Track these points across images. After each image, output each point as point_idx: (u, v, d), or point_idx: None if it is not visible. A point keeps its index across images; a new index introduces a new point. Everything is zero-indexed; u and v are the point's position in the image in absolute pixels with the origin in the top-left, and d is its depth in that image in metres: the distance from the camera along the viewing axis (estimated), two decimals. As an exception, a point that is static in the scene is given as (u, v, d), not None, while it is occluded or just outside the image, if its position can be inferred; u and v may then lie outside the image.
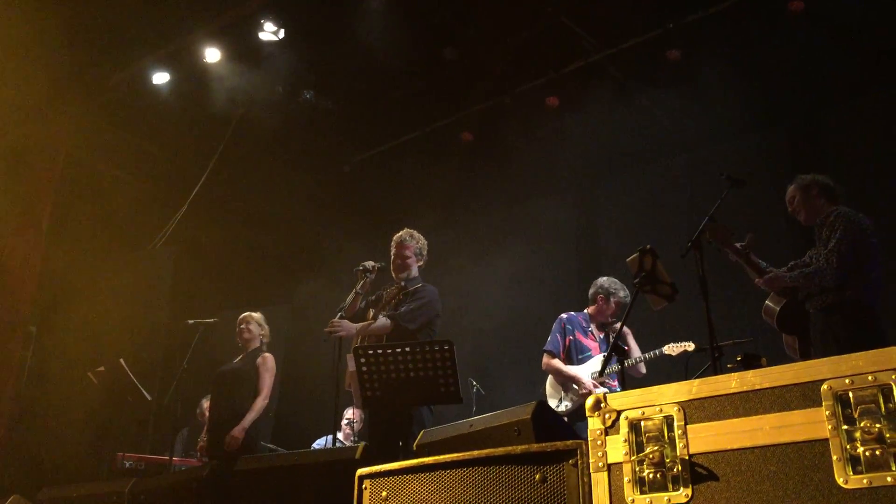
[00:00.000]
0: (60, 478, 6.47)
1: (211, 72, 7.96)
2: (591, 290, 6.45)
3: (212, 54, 7.82)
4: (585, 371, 6.11)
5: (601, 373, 5.68)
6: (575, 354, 6.24)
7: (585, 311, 6.48)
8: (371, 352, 4.24)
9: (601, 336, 6.37)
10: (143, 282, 8.91)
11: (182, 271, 9.15)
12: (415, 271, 5.67)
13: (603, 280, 6.42)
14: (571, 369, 6.16)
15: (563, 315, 6.43)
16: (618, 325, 5.99)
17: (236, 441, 6.31)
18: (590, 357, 6.19)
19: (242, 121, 8.51)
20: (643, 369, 6.05)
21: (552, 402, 6.22)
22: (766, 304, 4.79)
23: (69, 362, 7.94)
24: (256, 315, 7.01)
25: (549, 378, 6.40)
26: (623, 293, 6.26)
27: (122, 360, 6.98)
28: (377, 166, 9.51)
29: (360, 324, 5.40)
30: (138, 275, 8.94)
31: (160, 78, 8.18)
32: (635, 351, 6.04)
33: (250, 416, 6.49)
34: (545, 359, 6.33)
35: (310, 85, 8.36)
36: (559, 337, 6.32)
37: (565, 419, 5.62)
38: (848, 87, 7.18)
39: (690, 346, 5.81)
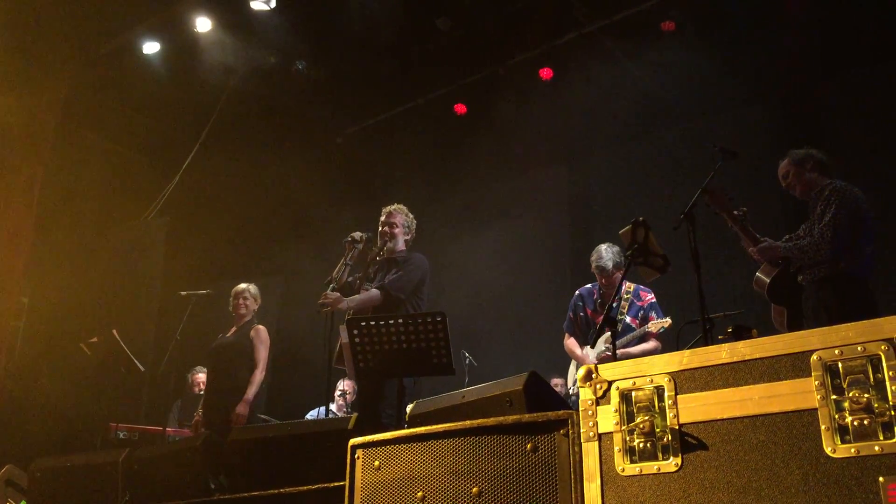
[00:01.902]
0: (54, 448, 6.49)
1: (202, 41, 7.88)
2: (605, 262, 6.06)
3: (203, 24, 7.74)
4: (593, 352, 5.87)
5: (592, 345, 5.67)
6: (587, 330, 6.04)
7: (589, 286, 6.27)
8: (364, 323, 4.25)
9: (615, 307, 5.96)
10: (136, 253, 8.88)
11: (175, 242, 9.11)
12: (401, 243, 5.69)
13: (598, 254, 6.07)
14: (580, 351, 5.99)
15: (577, 291, 6.20)
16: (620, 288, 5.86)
17: (243, 418, 6.35)
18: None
19: (234, 91, 8.45)
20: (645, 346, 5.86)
21: (569, 382, 6.17)
22: (757, 275, 4.79)
23: (62, 333, 7.93)
24: (252, 288, 6.98)
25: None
26: (595, 258, 5.98)
27: (115, 331, 6.97)
28: (370, 138, 9.47)
29: (352, 297, 5.42)
30: (131, 246, 8.91)
31: (150, 48, 8.10)
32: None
33: (252, 390, 6.51)
34: (565, 340, 6.17)
35: (302, 55, 8.30)
36: (571, 315, 6.13)
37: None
38: (841, 61, 7.15)
39: (667, 322, 5.76)
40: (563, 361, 6.41)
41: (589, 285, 6.23)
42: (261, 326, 6.85)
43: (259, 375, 6.61)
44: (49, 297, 8.29)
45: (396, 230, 5.67)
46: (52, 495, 4.38)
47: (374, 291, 5.39)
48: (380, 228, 5.73)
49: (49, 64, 8.05)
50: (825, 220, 4.47)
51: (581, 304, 6.12)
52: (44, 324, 8.14)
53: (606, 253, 5.94)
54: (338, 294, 5.35)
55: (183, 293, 7.31)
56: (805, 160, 4.79)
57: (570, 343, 6.11)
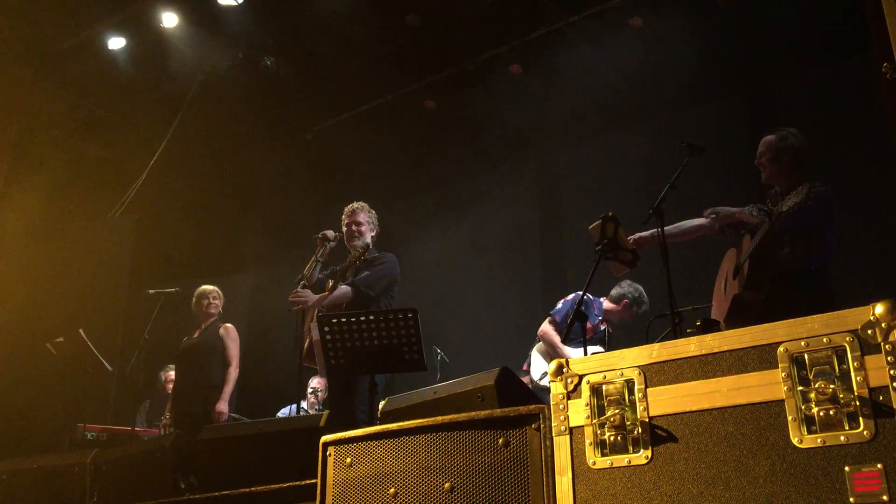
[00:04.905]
0: (21, 450, 6.39)
1: (169, 37, 7.80)
2: (619, 291, 6.19)
3: (169, 19, 7.65)
4: (577, 354, 5.91)
5: (564, 337, 5.67)
6: (563, 330, 6.02)
7: (603, 301, 6.26)
8: (335, 320, 4.24)
9: (601, 328, 6.14)
10: (104, 251, 8.76)
11: (142, 240, 9.01)
12: (369, 240, 5.67)
13: (635, 288, 6.19)
14: (565, 349, 5.96)
15: (588, 295, 5.94)
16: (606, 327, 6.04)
17: (224, 415, 6.40)
18: (579, 344, 5.97)
19: (202, 88, 8.36)
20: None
21: (537, 372, 6.16)
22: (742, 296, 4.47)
23: (27, 333, 7.81)
24: (217, 289, 7.02)
25: (541, 345, 6.26)
26: (645, 307, 6.13)
27: (81, 331, 6.89)
28: (339, 134, 9.42)
29: (322, 294, 5.40)
30: (98, 244, 8.79)
31: (116, 43, 7.99)
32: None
33: (228, 388, 6.56)
34: (546, 324, 6.16)
35: (270, 51, 8.24)
36: (569, 310, 5.98)
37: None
38: (806, 55, 7.24)
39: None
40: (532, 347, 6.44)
41: (591, 296, 6.14)
42: (229, 325, 6.86)
43: (234, 373, 6.66)
44: (14, 297, 8.16)
45: (363, 228, 5.67)
46: (19, 497, 4.32)
47: (345, 288, 5.38)
48: (344, 229, 5.71)
49: (11, 60, 7.92)
50: (797, 207, 4.39)
51: (583, 308, 5.99)
52: (9, 324, 8.00)
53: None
54: (308, 291, 5.33)
55: (151, 291, 7.23)
56: (783, 153, 4.65)
57: (554, 334, 6.07)
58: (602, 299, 6.29)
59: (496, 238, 8.77)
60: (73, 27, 7.95)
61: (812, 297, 4.34)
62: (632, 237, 4.59)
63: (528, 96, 8.27)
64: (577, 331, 5.57)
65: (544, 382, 5.94)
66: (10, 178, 8.03)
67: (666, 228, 4.47)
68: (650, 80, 7.66)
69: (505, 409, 2.34)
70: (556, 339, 6.07)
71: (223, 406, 6.42)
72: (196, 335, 6.86)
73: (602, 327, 6.16)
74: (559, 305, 6.24)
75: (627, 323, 6.18)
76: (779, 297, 4.29)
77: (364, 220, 5.70)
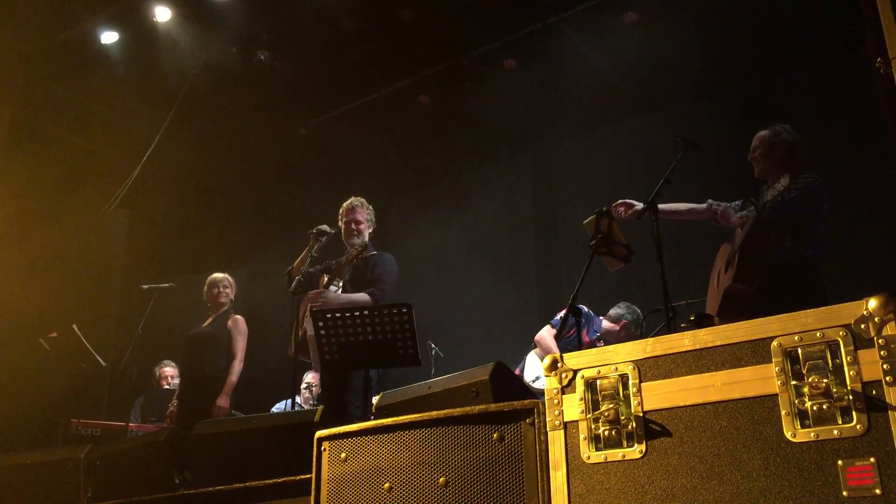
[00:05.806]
0: (13, 445, 6.37)
1: (162, 31, 7.78)
2: (618, 312, 6.22)
3: (162, 13, 7.63)
4: None
5: (559, 335, 5.68)
6: (564, 341, 6.02)
7: (603, 321, 6.27)
8: (329, 315, 4.23)
9: (598, 346, 6.11)
10: (97, 246, 8.73)
11: (136, 235, 8.99)
12: (367, 238, 5.62)
13: (633, 310, 6.21)
14: (556, 347, 5.93)
15: (586, 308, 6.03)
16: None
17: (224, 410, 6.27)
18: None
19: (195, 82, 8.34)
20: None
21: (530, 375, 6.17)
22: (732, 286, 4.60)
23: (20, 328, 7.78)
24: (229, 277, 6.91)
25: (538, 350, 6.26)
26: (642, 330, 6.09)
27: (74, 326, 6.86)
28: (333, 129, 9.41)
29: (344, 296, 5.32)
30: (91, 239, 8.76)
31: (109, 37, 7.97)
32: None
33: (231, 382, 6.44)
34: (546, 331, 6.16)
35: (264, 46, 8.23)
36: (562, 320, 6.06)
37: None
38: (802, 51, 7.24)
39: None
40: (528, 352, 6.45)
41: (592, 312, 6.20)
42: (238, 317, 6.76)
43: (238, 366, 6.52)
44: (6, 292, 8.13)
45: (362, 226, 5.58)
46: (12, 493, 4.31)
47: (365, 296, 5.25)
48: (343, 226, 5.65)
49: (4, 54, 7.88)
50: (787, 199, 4.39)
51: (583, 321, 5.91)
52: (1, 319, 7.98)
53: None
54: (329, 292, 5.24)
55: (144, 286, 7.20)
56: (776, 147, 4.65)
57: (552, 342, 6.02)
58: (601, 318, 6.29)
59: (490, 233, 8.77)
60: (66, 21, 7.93)
61: (803, 289, 4.34)
62: (620, 201, 4.61)
63: (522, 91, 8.27)
64: (573, 342, 5.62)
65: (537, 385, 5.96)
66: (3, 172, 8.00)
67: (660, 206, 4.47)
68: (645, 74, 7.66)
69: (500, 404, 2.34)
70: (553, 345, 6.04)
71: (223, 401, 6.29)
72: (205, 324, 6.77)
73: (599, 345, 6.12)
74: (559, 316, 6.18)
75: (614, 335, 6.19)
76: (769, 290, 4.30)
77: (363, 217, 5.60)
